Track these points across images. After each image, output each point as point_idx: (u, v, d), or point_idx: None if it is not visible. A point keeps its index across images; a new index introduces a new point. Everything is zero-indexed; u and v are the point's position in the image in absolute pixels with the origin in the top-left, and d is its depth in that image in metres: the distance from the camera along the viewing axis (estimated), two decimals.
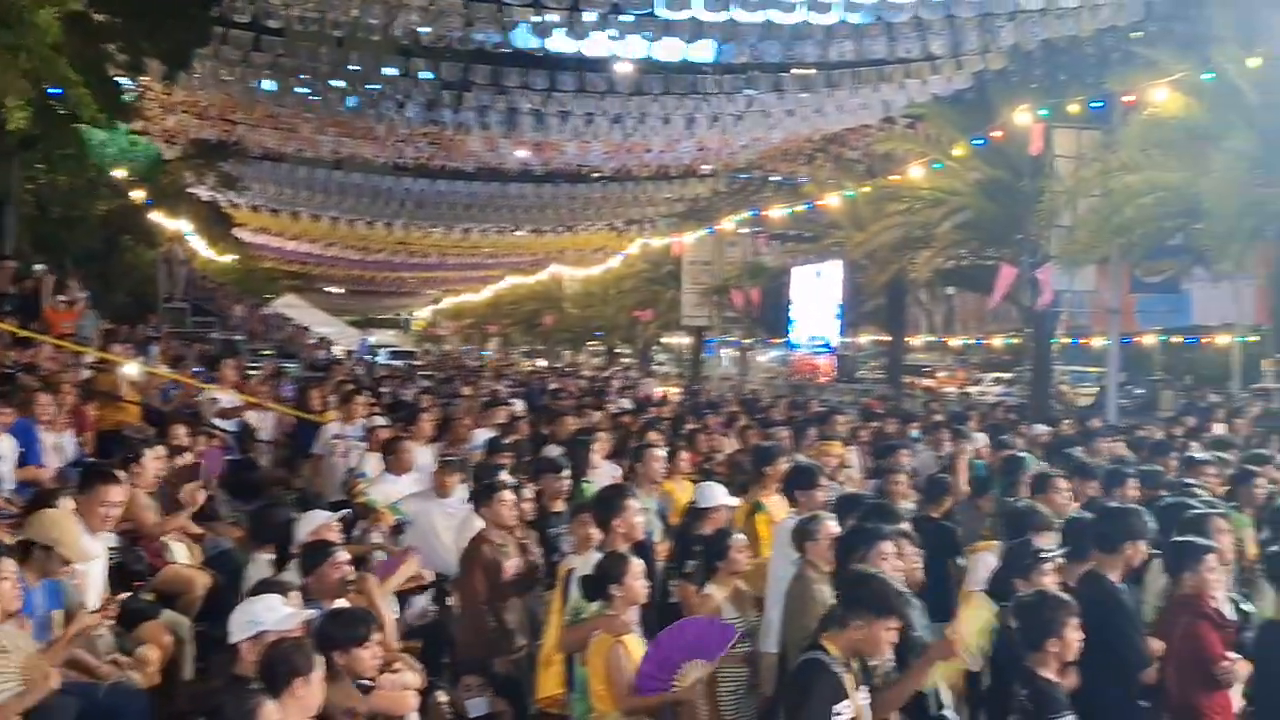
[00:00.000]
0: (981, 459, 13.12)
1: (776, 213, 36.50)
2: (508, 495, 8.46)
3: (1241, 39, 17.48)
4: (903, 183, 27.13)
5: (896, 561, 6.50)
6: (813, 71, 21.05)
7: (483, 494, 8.53)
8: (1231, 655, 6.64)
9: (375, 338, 79.81)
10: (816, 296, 36.92)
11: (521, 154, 26.75)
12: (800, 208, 34.67)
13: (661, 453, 10.50)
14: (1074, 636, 5.78)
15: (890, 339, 37.19)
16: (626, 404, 21.49)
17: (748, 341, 47.98)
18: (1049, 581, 6.62)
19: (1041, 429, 16.17)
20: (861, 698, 5.39)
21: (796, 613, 6.80)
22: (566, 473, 9.80)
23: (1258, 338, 33.89)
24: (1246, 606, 7.60)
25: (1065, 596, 6.01)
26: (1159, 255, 24.32)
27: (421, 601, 8.85)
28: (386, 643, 6.53)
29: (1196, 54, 18.26)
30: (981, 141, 23.55)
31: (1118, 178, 18.89)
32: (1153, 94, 18.40)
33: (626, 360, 59.71)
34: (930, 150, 26.13)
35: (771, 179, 39.24)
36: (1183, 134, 18.35)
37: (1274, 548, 6.84)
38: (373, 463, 11.41)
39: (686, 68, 20.21)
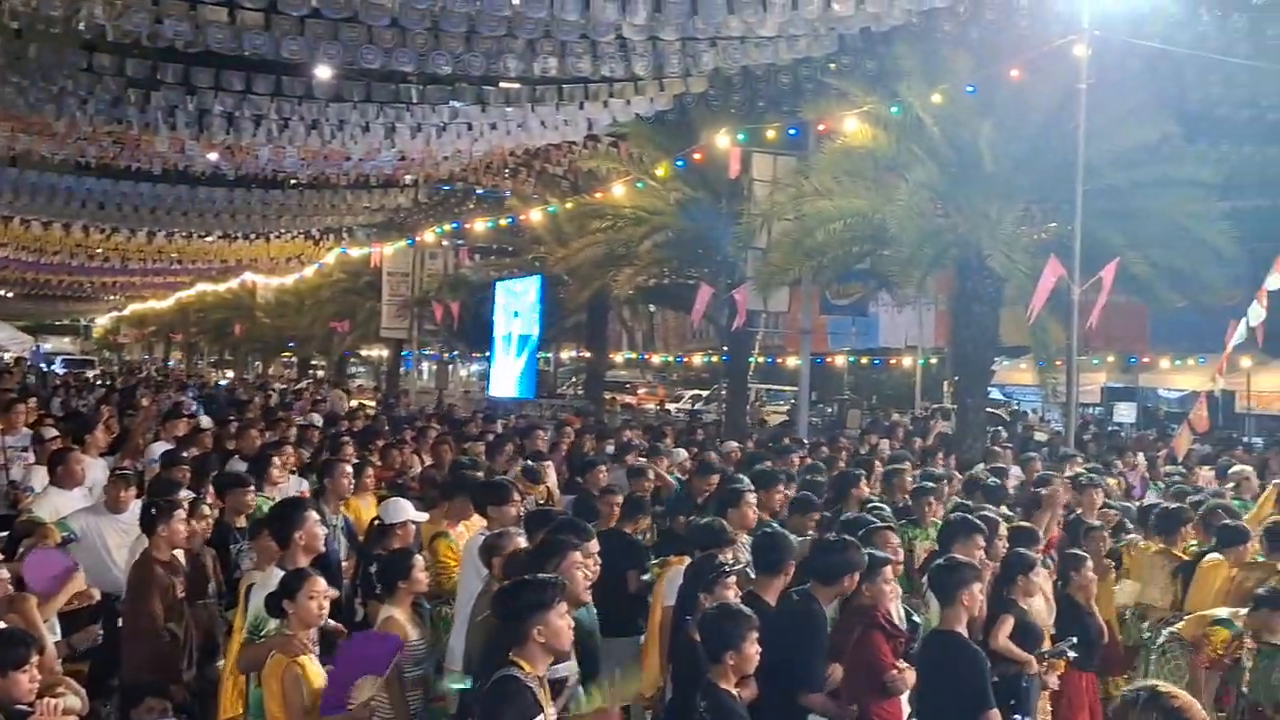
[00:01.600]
0: (680, 474, 13.54)
1: (479, 226, 36.60)
2: (180, 513, 8.19)
3: (926, 75, 18.60)
4: (605, 200, 27.67)
5: (588, 570, 6.65)
6: (517, 85, 21.22)
7: (155, 510, 8.21)
8: (901, 664, 7.07)
9: (50, 344, 75.55)
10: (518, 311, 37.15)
11: (212, 157, 25.81)
12: (503, 222, 34.88)
13: (349, 468, 10.39)
14: (752, 650, 5.98)
15: (591, 355, 37.75)
16: (317, 418, 21.08)
17: (447, 355, 47.77)
18: (730, 595, 6.87)
19: (732, 445, 16.77)
20: (552, 712, 5.45)
21: (480, 628, 6.81)
22: (251, 487, 9.57)
23: (938, 360, 36.23)
24: (917, 617, 8.13)
25: (745, 610, 6.20)
26: (848, 279, 25.70)
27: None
28: (47, 665, 6.19)
29: (885, 88, 19.32)
30: (682, 163, 24.29)
31: (810, 203, 19.75)
32: (844, 124, 19.39)
33: (320, 373, 58.47)
34: (633, 169, 26.74)
35: (475, 192, 39.25)
36: (871, 163, 19.37)
37: (938, 561, 7.31)
38: (39, 476, 10.86)
39: (389, 75, 19.99)
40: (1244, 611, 8.13)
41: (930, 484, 11.04)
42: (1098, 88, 17.19)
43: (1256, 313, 14.91)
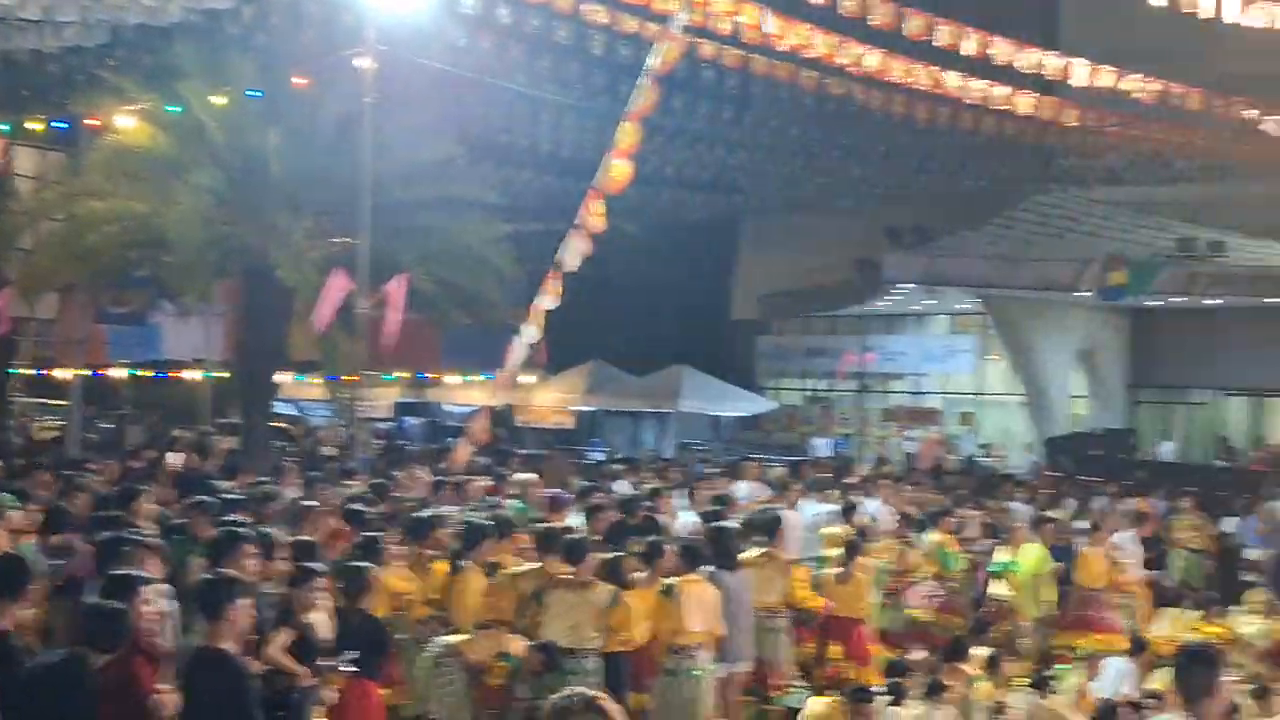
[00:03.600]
0: None
1: None
2: None
3: (209, 77, 18.40)
4: None
5: None
6: None
7: None
8: (164, 686, 6.97)
9: None
10: None
11: None
12: None
13: None
14: None
15: None
16: None
17: None
18: None
19: None
20: None
21: None
22: None
23: (227, 373, 35.65)
24: None
25: None
26: (128, 286, 24.68)
27: None
28: None
29: (165, 86, 18.86)
30: None
31: (82, 203, 18.88)
32: (118, 121, 18.69)
33: None
34: None
35: None
36: (149, 164, 18.84)
37: (205, 577, 7.31)
38: None
39: None
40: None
41: (208, 499, 10.99)
42: (385, 104, 17.91)
43: (532, 332, 16.13)
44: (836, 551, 13.39)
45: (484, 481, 16.85)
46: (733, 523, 12.24)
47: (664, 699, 9.91)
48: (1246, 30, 16.95)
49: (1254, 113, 20.35)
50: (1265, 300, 30.59)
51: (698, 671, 9.96)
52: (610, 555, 10.55)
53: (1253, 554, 18.67)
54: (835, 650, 12.43)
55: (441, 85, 20.93)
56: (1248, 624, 14.49)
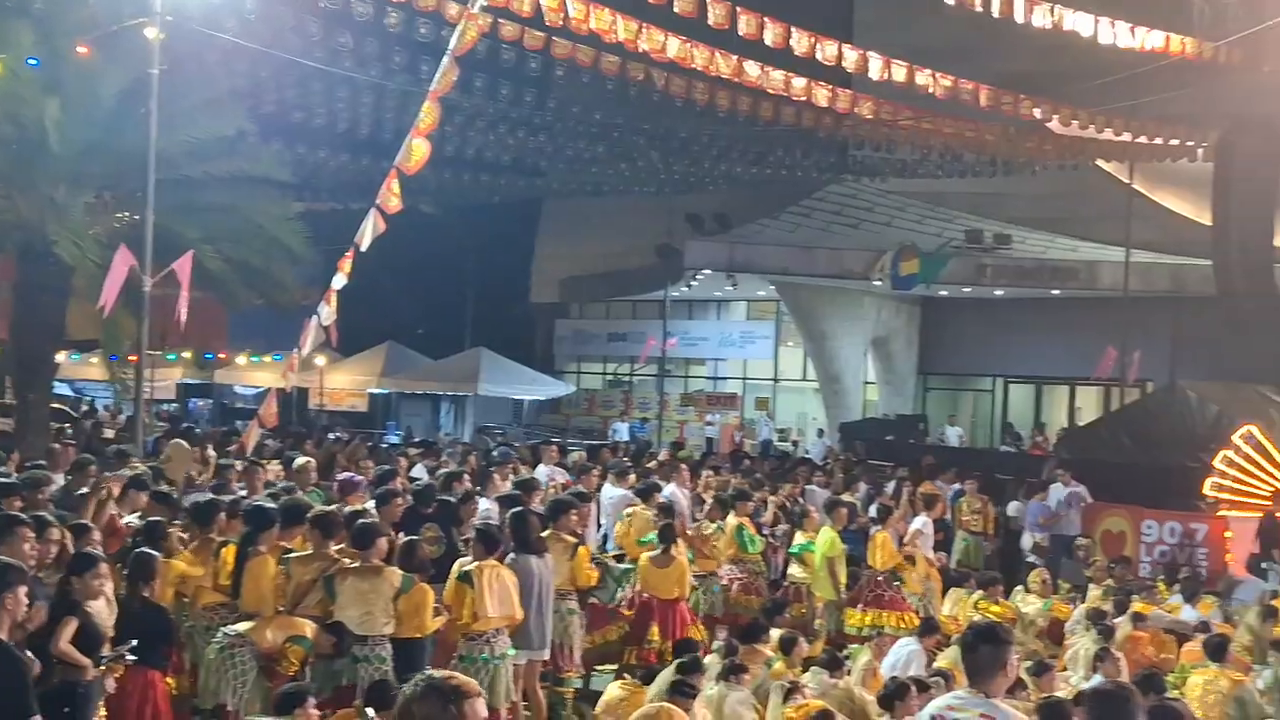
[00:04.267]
0: None
1: None
2: None
3: None
4: None
5: None
6: None
7: None
8: None
9: None
10: None
11: None
12: None
13: None
14: None
15: None
16: None
17: None
18: None
19: None
20: None
21: None
22: None
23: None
24: None
25: None
26: None
27: None
28: None
29: None
30: None
31: None
32: None
33: None
34: None
35: None
36: None
37: None
38: None
39: None
40: None
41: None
42: (172, 76, 17.35)
43: (327, 313, 15.85)
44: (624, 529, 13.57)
45: (275, 465, 16.61)
46: (536, 508, 12.29)
47: None
48: (1033, 30, 17.76)
49: (1039, 111, 21.30)
50: (1048, 291, 32.08)
51: (493, 656, 9.98)
52: (405, 540, 10.51)
53: (1030, 537, 19.58)
54: (654, 632, 12.59)
55: (233, 59, 20.40)
56: (1028, 603, 15.22)
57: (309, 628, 9.40)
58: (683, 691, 9.32)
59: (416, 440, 26.90)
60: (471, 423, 36.80)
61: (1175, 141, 23.24)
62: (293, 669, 9.31)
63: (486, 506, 13.32)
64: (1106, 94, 22.04)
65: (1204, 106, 23.32)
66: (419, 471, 17.85)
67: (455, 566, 10.41)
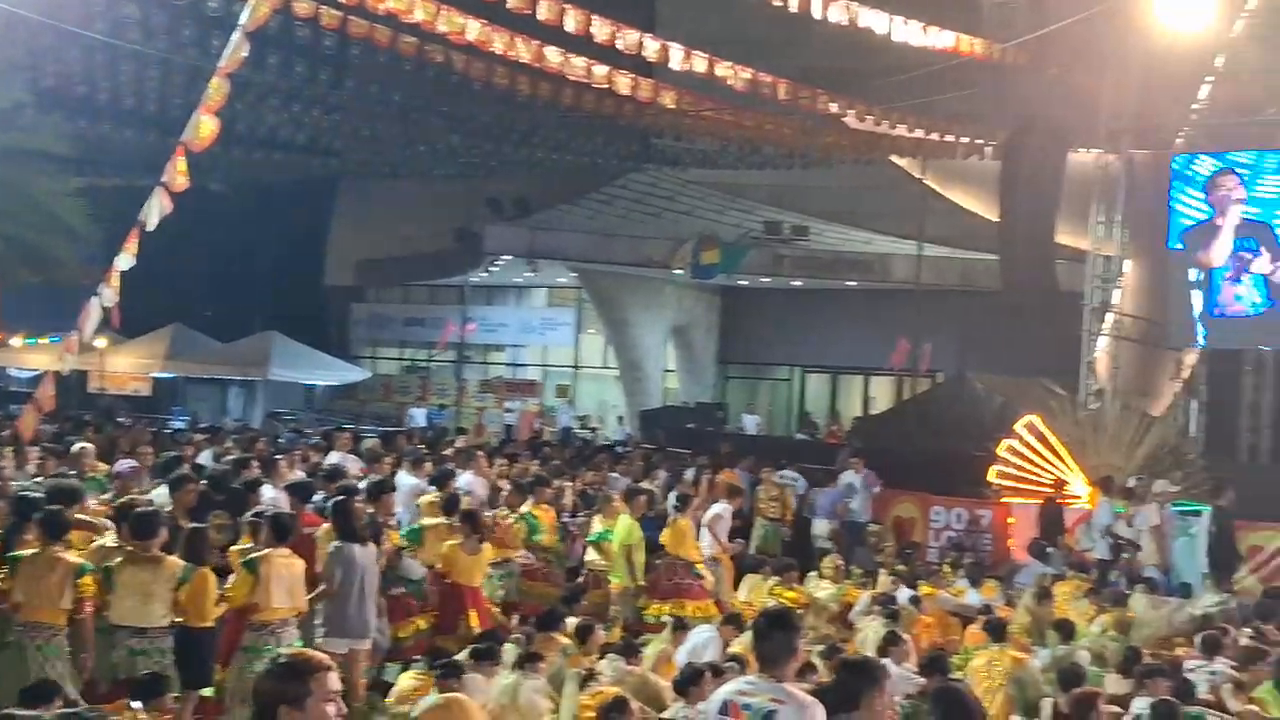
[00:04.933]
0: None
1: None
2: None
3: None
4: None
5: None
6: None
7: None
8: None
9: None
10: None
11: None
12: None
13: None
14: None
15: None
16: None
17: None
18: None
19: None
20: None
21: None
22: None
23: None
24: None
25: None
26: None
27: None
28: None
29: None
30: None
31: None
32: None
33: None
34: None
35: None
36: None
37: None
38: None
39: None
40: None
41: None
42: None
43: (109, 294, 15.32)
44: (433, 521, 13.50)
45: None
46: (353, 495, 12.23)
47: (241, 678, 9.73)
48: (830, 26, 18.23)
49: (835, 106, 21.85)
50: (843, 283, 32.97)
51: (279, 648, 9.84)
52: (191, 528, 10.30)
53: (822, 525, 20.11)
54: (473, 618, 12.56)
55: (11, 28, 19.54)
56: (822, 589, 15.65)
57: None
58: (455, 675, 9.37)
59: (203, 426, 26.25)
60: (262, 408, 36.02)
61: (965, 140, 24.10)
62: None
63: (273, 495, 13.12)
64: (901, 91, 22.75)
65: (992, 106, 24.24)
66: (205, 458, 17.47)
67: (236, 552, 10.28)
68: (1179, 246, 22.97)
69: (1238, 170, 22.53)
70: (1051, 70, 22.32)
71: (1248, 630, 13.35)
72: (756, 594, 15.21)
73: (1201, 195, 22.68)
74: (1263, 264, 22.11)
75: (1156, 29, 20.50)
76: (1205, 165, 22.87)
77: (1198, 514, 17.51)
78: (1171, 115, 23.88)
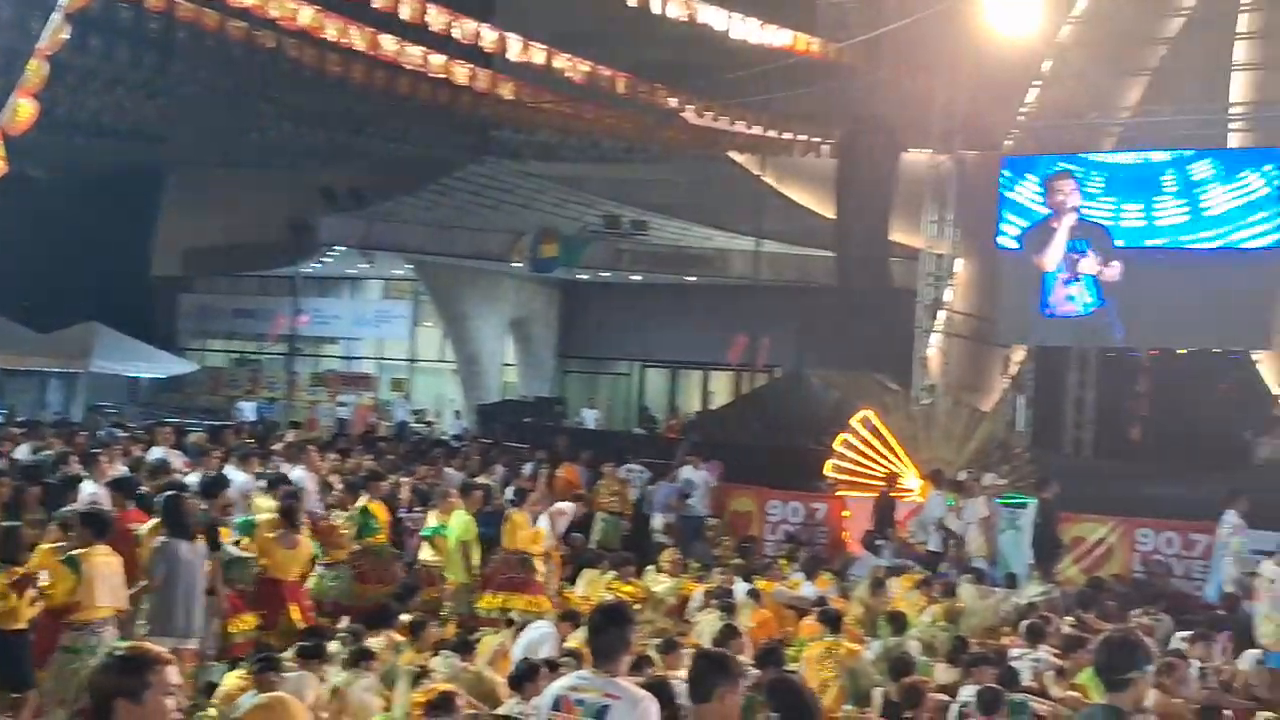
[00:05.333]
0: None
1: None
2: None
3: None
4: None
5: None
6: None
7: None
8: None
9: None
10: None
11: None
12: None
13: None
14: None
15: None
16: None
17: None
18: None
19: None
20: None
21: None
22: None
23: None
24: None
25: None
26: None
27: None
28: None
29: None
30: None
31: None
32: None
33: None
34: None
35: None
36: None
37: None
38: None
39: None
40: None
41: None
42: None
43: None
44: (266, 516, 13.28)
45: None
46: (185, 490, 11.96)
47: (60, 678, 9.43)
48: (670, 21, 18.36)
49: (674, 100, 22.02)
50: (683, 278, 33.23)
51: (101, 647, 9.56)
52: (3, 526, 9.98)
53: (660, 518, 20.23)
54: (293, 613, 12.35)
55: None
56: (659, 583, 15.76)
57: None
58: (272, 669, 9.24)
59: (20, 420, 25.36)
60: (83, 402, 34.91)
61: (802, 138, 24.47)
62: None
63: (93, 490, 12.75)
64: (740, 88, 22.99)
65: (828, 105, 24.63)
66: (22, 453, 16.94)
67: (48, 550, 9.95)
68: (1012, 246, 23.58)
69: (1074, 173, 23.16)
70: (884, 71, 22.76)
71: (1070, 619, 13.87)
72: (594, 588, 15.24)
73: (1040, 194, 23.24)
74: (1090, 264, 22.80)
75: (987, 33, 21.06)
76: (1039, 167, 23.55)
77: (1024, 506, 18.01)
78: (1001, 117, 24.60)
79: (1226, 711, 9.45)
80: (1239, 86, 23.23)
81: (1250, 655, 12.87)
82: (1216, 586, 16.19)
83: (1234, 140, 23.52)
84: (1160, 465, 22.52)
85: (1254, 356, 23.31)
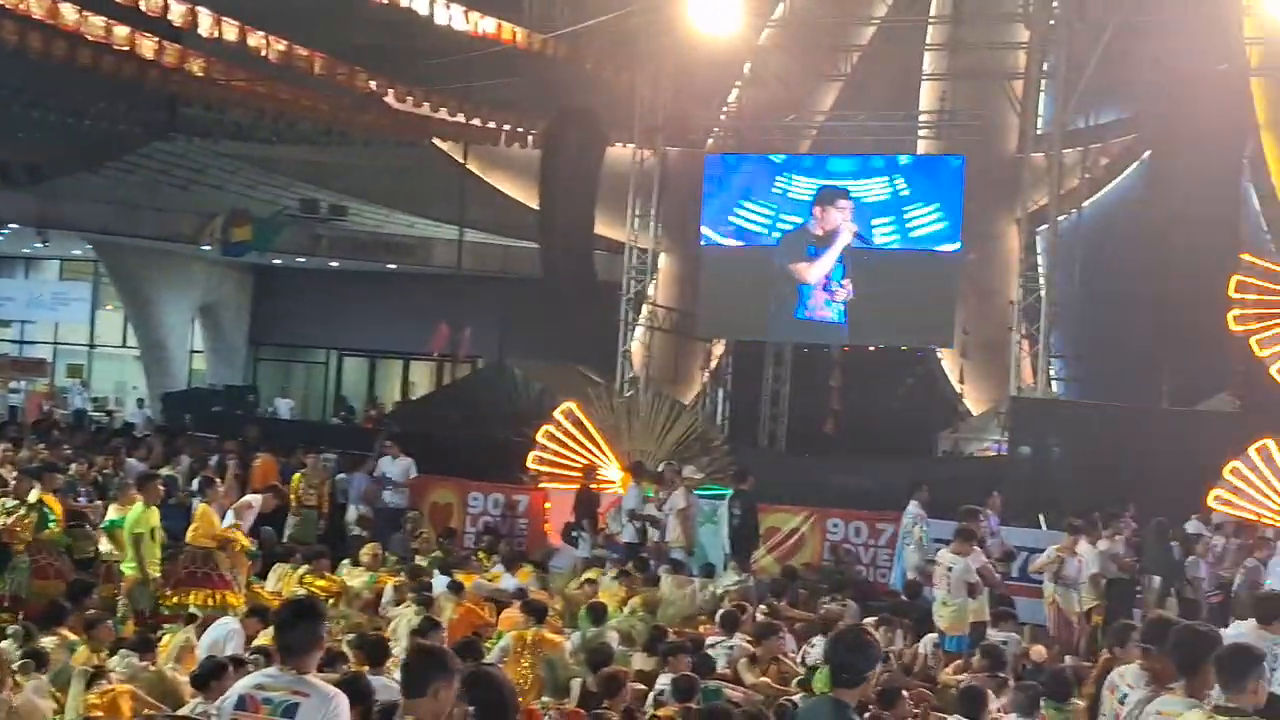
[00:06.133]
0: None
1: None
2: None
3: None
4: None
5: None
6: None
7: None
8: None
9: None
10: None
11: None
12: None
13: None
14: None
15: None
16: None
17: None
18: None
19: None
20: None
21: None
22: None
23: None
24: None
25: None
26: None
27: None
28: None
29: None
30: None
31: None
32: None
33: None
34: None
35: None
36: None
37: None
38: None
39: None
40: None
41: None
42: None
43: None
44: None
45: None
46: None
47: None
48: (373, 4, 18.13)
49: (375, 84, 21.72)
50: (383, 266, 32.82)
51: None
52: None
53: (355, 510, 19.92)
54: None
55: None
56: (355, 576, 15.53)
57: None
58: None
59: None
60: None
61: (507, 127, 24.51)
62: None
63: None
64: (443, 74, 22.86)
65: (533, 95, 24.77)
66: None
67: None
68: (718, 240, 24.16)
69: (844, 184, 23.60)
70: (590, 64, 23.02)
71: (763, 606, 14.37)
72: (286, 583, 14.90)
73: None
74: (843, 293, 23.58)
75: (691, 32, 21.58)
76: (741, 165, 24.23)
77: (722, 498, 18.52)
78: (704, 115, 25.24)
79: (905, 693, 9.92)
80: (927, 95, 24.52)
81: (929, 639, 13.58)
82: (900, 574, 16.99)
83: (922, 147, 24.79)
84: (850, 457, 23.52)
85: (938, 354, 24.66)
